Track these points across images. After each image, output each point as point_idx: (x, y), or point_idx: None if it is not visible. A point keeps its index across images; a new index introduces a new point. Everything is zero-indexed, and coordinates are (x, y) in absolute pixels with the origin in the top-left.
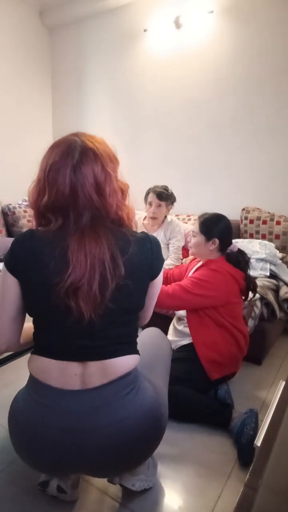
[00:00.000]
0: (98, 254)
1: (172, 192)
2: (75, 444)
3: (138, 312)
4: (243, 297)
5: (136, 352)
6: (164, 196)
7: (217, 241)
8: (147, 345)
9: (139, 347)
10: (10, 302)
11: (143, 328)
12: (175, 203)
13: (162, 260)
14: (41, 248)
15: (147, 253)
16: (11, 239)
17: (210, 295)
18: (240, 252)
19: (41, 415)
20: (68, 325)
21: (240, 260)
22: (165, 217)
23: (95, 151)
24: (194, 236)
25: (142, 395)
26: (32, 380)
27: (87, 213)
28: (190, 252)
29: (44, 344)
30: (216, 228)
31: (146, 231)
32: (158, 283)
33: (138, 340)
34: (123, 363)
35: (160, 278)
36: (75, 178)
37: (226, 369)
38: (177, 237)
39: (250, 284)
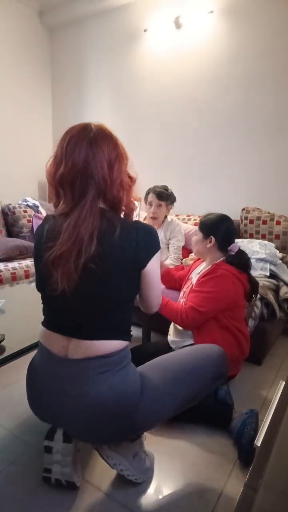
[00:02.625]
0: (80, 236)
1: (172, 192)
2: (55, 402)
3: (124, 302)
4: (247, 299)
5: (124, 338)
6: (164, 196)
7: (213, 239)
8: (187, 356)
9: (184, 351)
10: None
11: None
12: (175, 203)
13: (152, 251)
14: (46, 229)
15: (131, 243)
16: (11, 239)
17: (222, 303)
18: (241, 253)
19: (35, 372)
20: (48, 294)
21: (242, 262)
22: (165, 217)
23: (110, 132)
24: (196, 235)
25: (120, 379)
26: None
27: (91, 188)
28: (193, 251)
29: (44, 315)
30: (214, 226)
31: None
32: (150, 273)
33: (192, 348)
34: (103, 346)
35: (152, 268)
36: (90, 150)
37: None
38: (177, 237)
39: (253, 285)
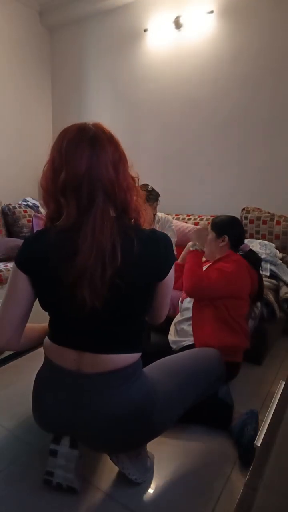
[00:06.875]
0: (102, 246)
1: (152, 189)
2: (70, 414)
3: (143, 314)
4: (252, 299)
5: (136, 351)
6: (146, 198)
7: (226, 238)
8: (191, 360)
9: (186, 354)
10: (20, 299)
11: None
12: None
13: (172, 260)
14: (50, 247)
15: (155, 255)
16: (11, 239)
17: (235, 286)
18: (252, 252)
19: (43, 386)
20: (71, 316)
21: (254, 258)
22: (155, 215)
23: (110, 131)
24: (207, 235)
25: (137, 389)
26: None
27: (100, 193)
28: (205, 252)
29: (51, 330)
30: (226, 226)
31: None
32: (168, 281)
33: (192, 350)
34: (116, 360)
35: (170, 276)
36: (93, 152)
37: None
38: (168, 233)
39: (260, 287)
